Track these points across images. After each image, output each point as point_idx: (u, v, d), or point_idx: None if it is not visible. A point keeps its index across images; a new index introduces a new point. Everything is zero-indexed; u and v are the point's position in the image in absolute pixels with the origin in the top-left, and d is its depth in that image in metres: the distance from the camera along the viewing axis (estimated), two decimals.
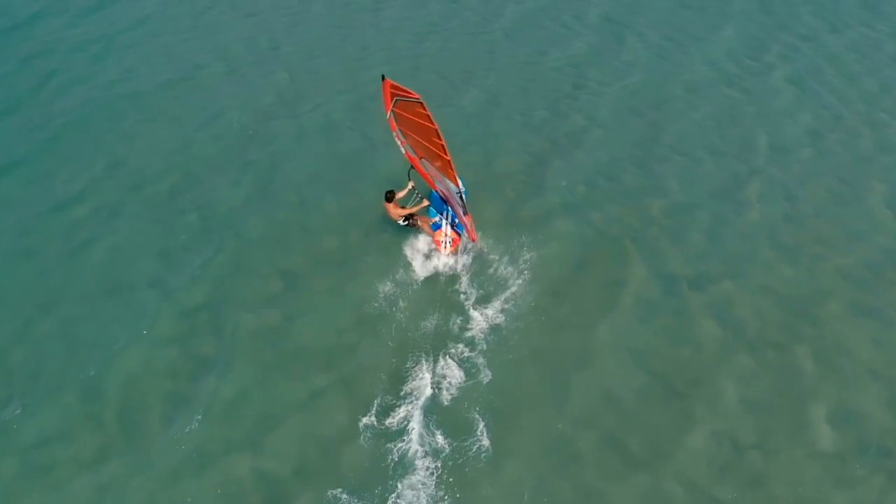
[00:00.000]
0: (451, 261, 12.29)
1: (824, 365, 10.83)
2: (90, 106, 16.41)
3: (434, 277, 12.07)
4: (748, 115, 15.83)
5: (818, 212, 13.42)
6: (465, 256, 12.39)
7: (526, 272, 12.10)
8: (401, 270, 12.14)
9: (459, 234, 12.39)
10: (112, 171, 14.54)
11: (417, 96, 10.01)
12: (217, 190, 13.95)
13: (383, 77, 10.45)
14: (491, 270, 12.14)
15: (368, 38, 18.56)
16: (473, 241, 12.06)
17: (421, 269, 12.21)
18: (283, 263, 12.36)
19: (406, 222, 12.33)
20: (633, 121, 15.70)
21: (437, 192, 12.40)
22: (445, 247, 12.19)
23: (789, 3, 20.15)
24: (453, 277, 12.07)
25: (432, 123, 10.19)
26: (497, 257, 12.34)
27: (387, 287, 11.81)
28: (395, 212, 12.10)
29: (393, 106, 10.55)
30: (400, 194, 12.10)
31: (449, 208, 12.37)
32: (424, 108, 10.09)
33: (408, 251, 12.47)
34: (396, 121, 10.82)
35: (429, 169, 11.42)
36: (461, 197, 11.26)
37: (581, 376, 10.63)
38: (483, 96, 16.54)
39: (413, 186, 12.24)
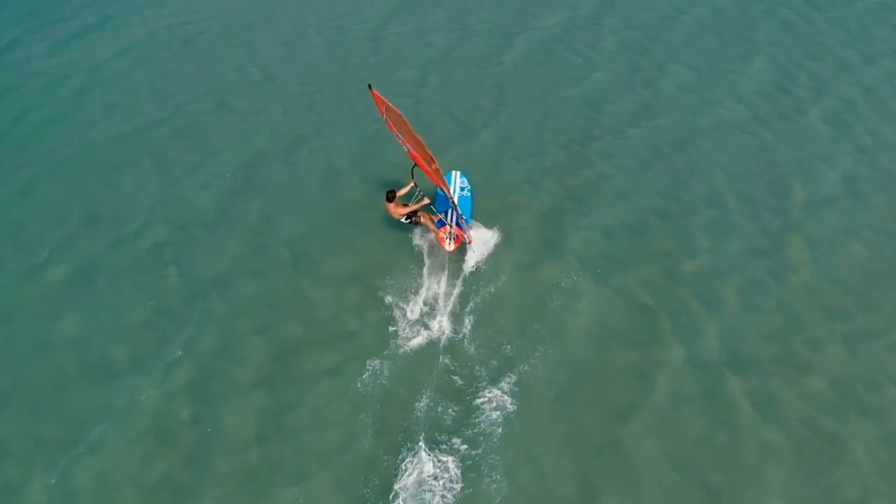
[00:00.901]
0: (449, 330, 11.18)
1: (883, 463, 9.64)
2: (68, 148, 15.21)
3: (434, 351, 10.89)
4: (781, 158, 14.57)
5: (864, 274, 12.19)
6: (468, 321, 11.25)
7: (540, 347, 10.94)
8: (398, 343, 11.00)
9: (464, 231, 12.33)
10: (90, 224, 13.32)
11: (399, 112, 10.27)
12: (203, 246, 12.74)
13: (370, 87, 10.45)
14: (497, 343, 10.98)
15: (368, 70, 17.31)
16: (470, 242, 12.27)
17: (419, 339, 11.07)
18: (274, 336, 11.19)
19: (409, 220, 12.16)
20: (656, 165, 14.46)
21: (441, 190, 12.19)
22: (450, 243, 12.20)
23: (817, 30, 18.88)
24: (455, 352, 10.89)
25: (416, 135, 10.55)
26: (507, 328, 11.18)
27: (384, 366, 10.68)
28: (397, 211, 11.92)
29: (386, 111, 10.72)
30: (401, 192, 11.95)
31: (452, 206, 12.38)
32: (406, 122, 10.38)
33: (404, 320, 11.35)
34: (392, 122, 10.94)
35: (430, 168, 11.43)
36: (453, 200, 11.88)
37: (608, 478, 9.44)
38: (491, 136, 15.31)
39: (415, 184, 12.05)
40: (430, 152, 10.78)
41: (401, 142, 11.30)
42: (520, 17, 19.39)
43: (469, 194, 13.27)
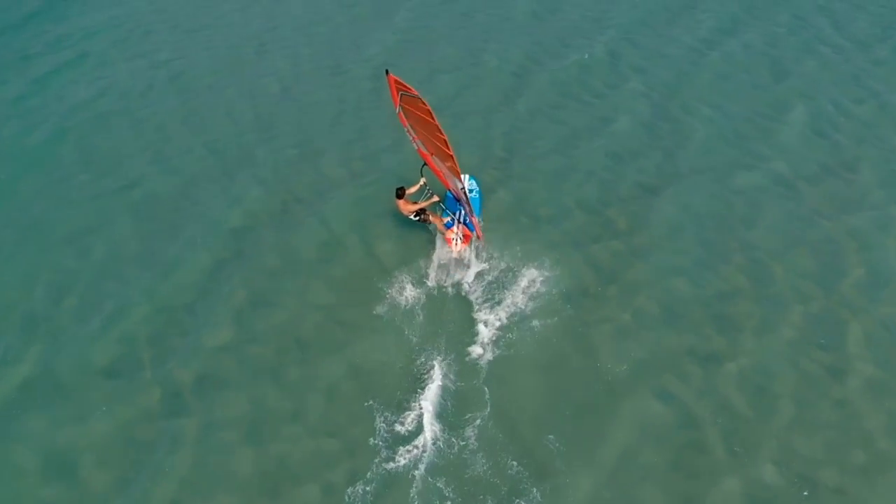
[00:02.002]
0: (448, 442, 9.69)
1: None
2: (38, 206, 13.82)
3: (430, 472, 9.37)
4: (829, 223, 12.95)
5: None
6: (471, 431, 9.81)
7: (562, 467, 9.46)
8: (389, 462, 9.47)
9: (471, 231, 12.30)
10: (56, 302, 11.87)
11: (416, 93, 9.98)
12: (182, 336, 11.23)
13: (387, 72, 10.20)
14: (507, 461, 9.49)
15: (367, 116, 15.85)
16: (479, 238, 12.27)
17: (413, 454, 9.59)
18: (255, 453, 9.72)
19: (417, 218, 12.17)
20: (690, 232, 12.86)
21: (450, 191, 12.06)
22: (456, 243, 12.20)
23: (854, 68, 17.31)
24: (455, 473, 9.37)
25: (433, 119, 10.13)
26: (519, 442, 9.73)
27: (370, 494, 9.16)
28: (406, 208, 11.96)
29: (400, 101, 10.30)
30: (411, 190, 11.95)
31: (461, 208, 12.30)
32: (425, 104, 10.06)
33: (397, 431, 9.89)
34: (406, 116, 10.51)
35: (440, 167, 11.19)
36: (465, 192, 11.64)
37: None
38: (504, 195, 13.76)
39: (425, 182, 12.01)
40: (445, 136, 10.30)
41: (412, 139, 10.81)
42: (533, 52, 17.90)
43: (478, 196, 13.07)
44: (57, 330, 11.42)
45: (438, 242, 12.55)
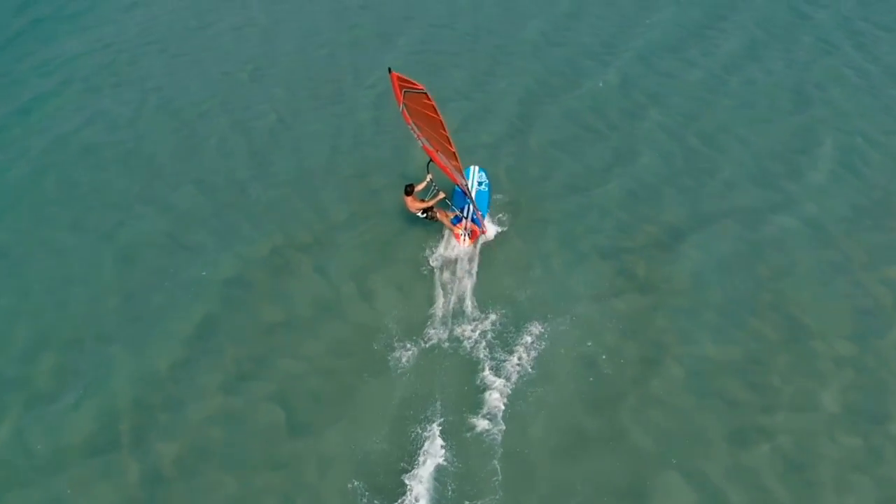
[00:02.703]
0: None
1: None
2: (19, 247, 13.06)
3: None
4: (868, 277, 11.89)
5: None
6: None
7: None
8: None
9: (479, 227, 12.44)
10: (31, 361, 10.98)
11: (422, 87, 9.97)
12: (167, 407, 10.30)
13: (390, 70, 10.07)
14: None
15: (369, 152, 14.84)
16: (484, 233, 12.52)
17: None
18: None
19: (425, 215, 12.23)
20: (716, 283, 11.87)
21: (458, 186, 12.35)
22: (464, 239, 12.28)
23: (883, 95, 16.34)
24: None
25: (437, 114, 10.21)
26: None
27: None
28: (414, 205, 12.00)
29: (404, 98, 10.30)
30: (419, 187, 12.00)
31: (469, 203, 12.35)
32: (429, 99, 10.07)
33: None
34: (409, 113, 10.56)
35: (447, 163, 11.23)
36: (468, 189, 11.96)
37: None
38: (513, 239, 12.80)
39: (431, 179, 12.13)
40: (447, 133, 10.42)
41: (416, 136, 10.95)
42: (543, 78, 16.88)
43: (486, 189, 13.14)
44: (31, 397, 10.53)
45: (439, 291, 11.75)
